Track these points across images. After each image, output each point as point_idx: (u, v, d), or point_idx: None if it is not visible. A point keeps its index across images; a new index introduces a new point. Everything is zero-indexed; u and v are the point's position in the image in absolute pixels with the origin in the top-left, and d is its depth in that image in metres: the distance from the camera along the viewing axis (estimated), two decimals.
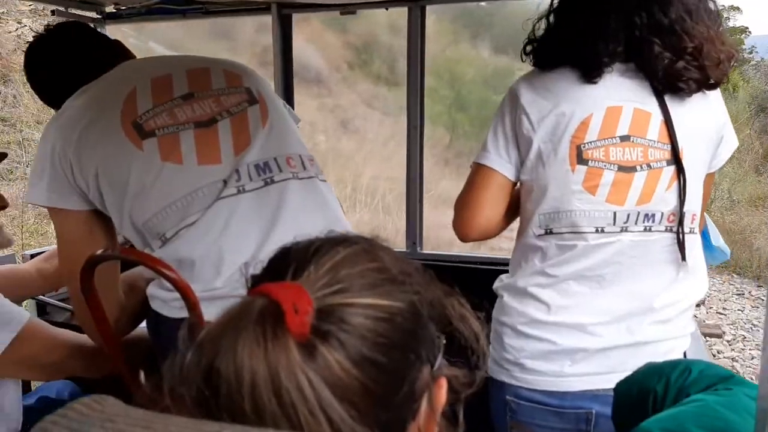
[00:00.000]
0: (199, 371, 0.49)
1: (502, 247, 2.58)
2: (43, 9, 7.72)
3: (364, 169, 6.39)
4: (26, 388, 1.85)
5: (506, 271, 1.39)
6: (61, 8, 2.20)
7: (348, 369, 0.49)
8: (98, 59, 1.40)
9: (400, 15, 2.19)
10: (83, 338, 1.41)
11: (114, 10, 2.29)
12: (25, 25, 8.05)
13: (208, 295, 1.16)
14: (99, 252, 1.05)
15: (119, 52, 1.45)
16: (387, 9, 2.11)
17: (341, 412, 0.48)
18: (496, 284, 1.36)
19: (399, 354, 0.53)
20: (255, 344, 0.48)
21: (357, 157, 6.41)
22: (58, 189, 1.27)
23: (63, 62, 1.40)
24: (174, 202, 1.22)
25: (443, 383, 0.59)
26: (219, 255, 1.20)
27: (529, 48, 1.29)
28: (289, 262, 0.55)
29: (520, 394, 1.28)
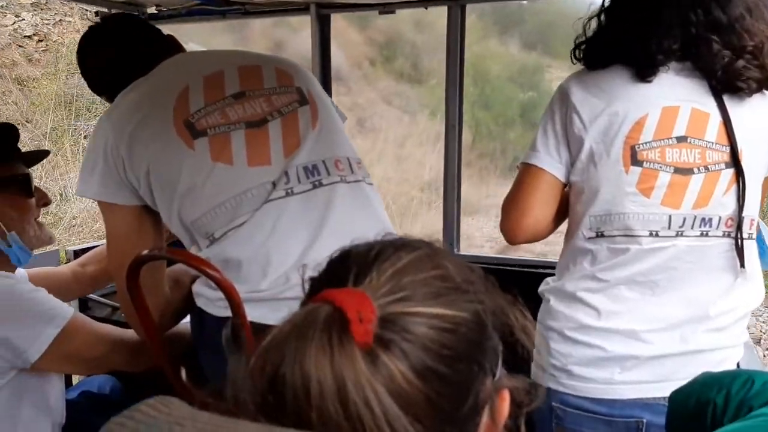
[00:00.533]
0: (264, 378, 0.48)
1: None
2: (46, 2, 7.56)
3: (374, 170, 6.17)
4: (67, 383, 1.88)
5: (549, 274, 1.36)
6: (104, 9, 2.23)
7: (411, 380, 0.48)
8: (147, 53, 1.40)
9: (425, 12, 2.15)
10: (125, 333, 1.43)
11: (155, 11, 2.32)
12: (23, 19, 7.79)
13: (254, 297, 1.16)
14: (145, 252, 1.06)
15: (172, 46, 1.45)
16: (426, 8, 2.09)
17: (407, 426, 0.46)
18: (542, 287, 1.33)
19: (463, 366, 0.51)
20: (321, 353, 0.46)
21: (369, 157, 6.32)
22: (110, 183, 1.28)
23: (110, 53, 1.42)
24: (223, 203, 1.22)
25: (506, 395, 0.57)
26: (266, 257, 1.19)
27: (580, 50, 1.25)
28: (350, 266, 0.54)
29: (567, 401, 1.25)
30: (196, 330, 1.29)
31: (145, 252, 1.06)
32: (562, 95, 1.25)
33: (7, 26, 7.71)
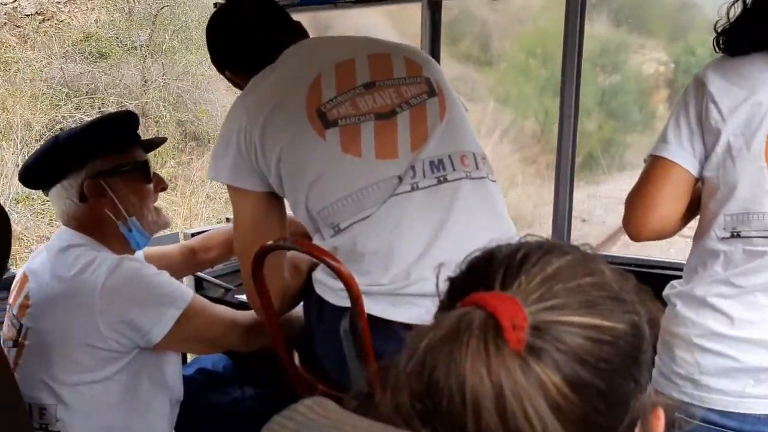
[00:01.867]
0: (418, 382, 0.48)
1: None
2: None
3: None
4: (183, 360, 1.97)
5: (676, 277, 1.29)
6: (221, 0, 2.31)
7: (566, 394, 0.46)
8: (274, 34, 1.41)
9: None
10: (239, 314, 1.48)
11: None
12: None
13: (374, 290, 1.17)
14: (270, 242, 1.09)
15: (298, 31, 1.46)
16: None
17: None
18: (667, 291, 1.26)
19: (621, 381, 0.49)
20: (477, 359, 0.46)
21: None
22: (241, 169, 1.31)
23: (237, 29, 1.43)
24: (350, 195, 1.22)
25: (660, 414, 0.54)
26: (389, 251, 1.19)
27: (723, 38, 1.16)
28: (495, 268, 0.53)
29: (692, 412, 1.17)
30: (314, 317, 1.31)
31: (271, 242, 1.09)
32: (698, 84, 1.17)
33: (6, 4, 7.00)
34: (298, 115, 1.27)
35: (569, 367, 0.46)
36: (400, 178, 1.23)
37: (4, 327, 1.47)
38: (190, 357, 2.09)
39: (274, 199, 1.35)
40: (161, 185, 1.56)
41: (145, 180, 1.51)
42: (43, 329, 1.37)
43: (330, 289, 1.22)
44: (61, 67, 7.08)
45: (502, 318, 0.46)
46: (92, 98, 7.17)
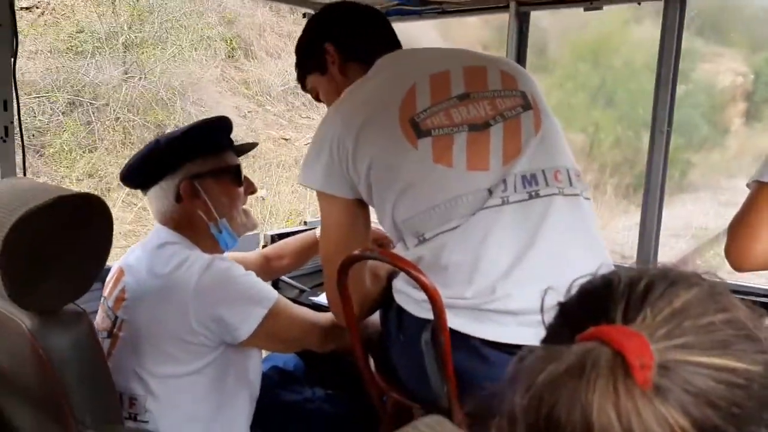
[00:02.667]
0: (539, 417, 0.46)
1: None
2: None
3: None
4: None
5: None
6: (311, 11, 2.36)
7: None
8: (382, 26, 1.45)
9: None
10: (318, 316, 1.51)
11: None
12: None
13: (457, 303, 1.16)
14: (356, 252, 1.10)
15: (394, 40, 1.50)
16: (639, 3, 1.95)
17: None
18: None
19: (754, 428, 0.46)
20: (606, 399, 0.44)
21: None
22: (332, 175, 1.32)
23: (353, 8, 1.49)
24: (438, 205, 1.22)
25: None
26: (474, 265, 1.18)
27: None
28: (616, 298, 0.50)
29: None
30: (394, 326, 1.31)
31: (357, 252, 1.10)
32: None
33: (19, 9, 6.08)
34: (391, 124, 1.27)
35: (699, 411, 0.44)
36: (491, 191, 1.22)
37: (99, 318, 1.54)
38: (263, 354, 2.14)
39: (361, 207, 1.36)
40: (251, 188, 1.61)
41: (237, 183, 1.56)
42: (137, 322, 1.44)
43: (412, 300, 1.22)
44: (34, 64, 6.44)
45: (630, 356, 0.45)
46: (54, 95, 6.55)
